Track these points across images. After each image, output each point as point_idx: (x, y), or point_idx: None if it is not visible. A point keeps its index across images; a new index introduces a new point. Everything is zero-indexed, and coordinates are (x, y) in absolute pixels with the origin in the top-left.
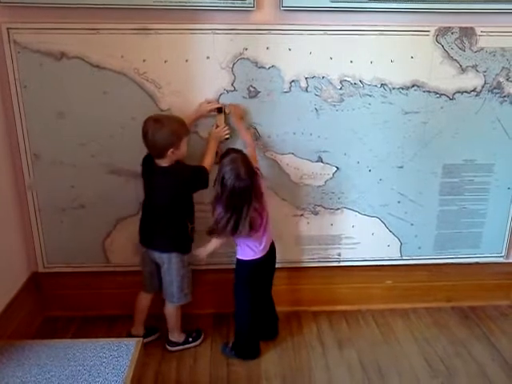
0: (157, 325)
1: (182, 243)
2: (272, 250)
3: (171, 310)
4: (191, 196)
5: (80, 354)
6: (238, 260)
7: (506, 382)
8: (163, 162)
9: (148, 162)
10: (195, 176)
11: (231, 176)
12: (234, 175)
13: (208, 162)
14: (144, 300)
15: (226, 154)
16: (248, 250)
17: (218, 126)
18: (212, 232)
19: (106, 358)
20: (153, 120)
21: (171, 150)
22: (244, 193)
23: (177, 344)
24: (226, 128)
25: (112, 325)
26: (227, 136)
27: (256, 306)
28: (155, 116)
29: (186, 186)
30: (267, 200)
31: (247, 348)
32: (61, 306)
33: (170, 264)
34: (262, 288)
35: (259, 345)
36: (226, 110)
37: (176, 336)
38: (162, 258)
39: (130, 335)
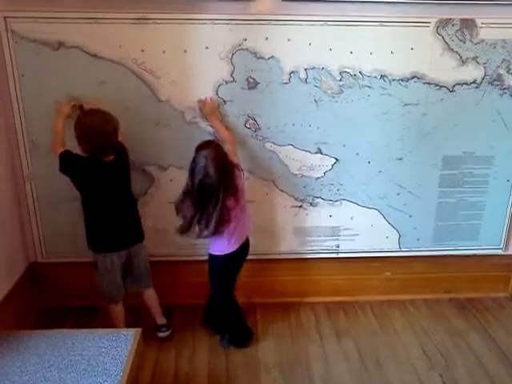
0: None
1: None
2: (245, 247)
3: (153, 292)
4: None
5: (79, 343)
6: (210, 255)
7: (502, 373)
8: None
9: (87, 170)
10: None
11: (200, 171)
12: (203, 172)
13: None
14: (121, 311)
15: (201, 147)
16: (217, 246)
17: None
18: (183, 231)
19: (104, 347)
20: (101, 113)
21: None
22: (212, 191)
23: (167, 326)
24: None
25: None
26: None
27: (231, 295)
28: (95, 110)
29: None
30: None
31: (240, 334)
32: (59, 296)
33: (143, 249)
34: (233, 280)
35: (247, 326)
36: (198, 105)
37: (162, 318)
38: (137, 248)
39: None
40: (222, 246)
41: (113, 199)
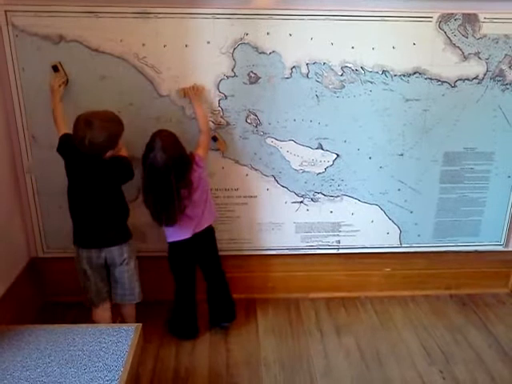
0: None
1: (128, 228)
2: (203, 236)
3: (132, 309)
4: None
5: (80, 338)
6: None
7: (502, 369)
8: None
9: (74, 152)
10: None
11: (149, 158)
12: (152, 159)
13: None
14: (103, 316)
15: (153, 135)
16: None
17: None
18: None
19: (105, 343)
20: (86, 123)
21: (110, 151)
22: (161, 178)
23: None
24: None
25: (111, 310)
26: None
27: (186, 287)
28: (87, 117)
29: (123, 177)
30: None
31: (180, 325)
32: (60, 291)
33: (131, 254)
34: (191, 271)
35: (196, 325)
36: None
37: None
38: (114, 255)
39: None
40: (170, 233)
41: (91, 195)
